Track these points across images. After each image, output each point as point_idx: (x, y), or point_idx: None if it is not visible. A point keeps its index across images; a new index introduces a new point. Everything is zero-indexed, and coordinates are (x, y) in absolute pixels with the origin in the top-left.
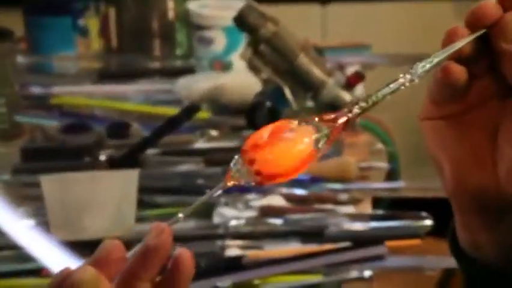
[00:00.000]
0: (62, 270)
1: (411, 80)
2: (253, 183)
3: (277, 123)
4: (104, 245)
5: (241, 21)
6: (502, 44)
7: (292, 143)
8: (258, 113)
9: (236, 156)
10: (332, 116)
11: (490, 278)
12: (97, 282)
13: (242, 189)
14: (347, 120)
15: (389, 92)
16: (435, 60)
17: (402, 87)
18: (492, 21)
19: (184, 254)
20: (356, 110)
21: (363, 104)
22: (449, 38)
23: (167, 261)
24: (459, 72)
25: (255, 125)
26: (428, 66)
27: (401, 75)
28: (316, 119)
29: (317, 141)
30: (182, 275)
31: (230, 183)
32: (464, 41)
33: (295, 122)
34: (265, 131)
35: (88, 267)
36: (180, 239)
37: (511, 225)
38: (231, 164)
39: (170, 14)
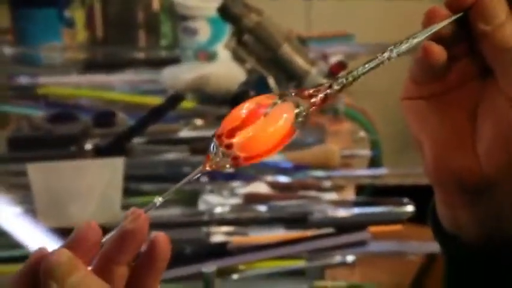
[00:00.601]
0: (36, 253)
1: (390, 58)
2: (230, 166)
3: (254, 100)
4: (80, 228)
5: (225, 12)
6: (480, 26)
7: (269, 121)
8: (243, 102)
9: (214, 140)
10: (311, 90)
11: (470, 257)
12: (73, 264)
13: (227, 177)
14: (325, 95)
15: (368, 69)
16: (415, 40)
17: (381, 65)
18: (470, 2)
19: (161, 237)
20: (335, 85)
21: (342, 80)
22: (428, 19)
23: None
24: (438, 52)
25: None
26: (407, 45)
27: (380, 54)
28: (294, 94)
29: (296, 116)
30: (158, 257)
31: (208, 168)
32: (444, 22)
33: (274, 98)
34: (242, 110)
35: (64, 249)
36: (166, 225)
37: (490, 204)
38: (210, 149)
39: (155, 5)
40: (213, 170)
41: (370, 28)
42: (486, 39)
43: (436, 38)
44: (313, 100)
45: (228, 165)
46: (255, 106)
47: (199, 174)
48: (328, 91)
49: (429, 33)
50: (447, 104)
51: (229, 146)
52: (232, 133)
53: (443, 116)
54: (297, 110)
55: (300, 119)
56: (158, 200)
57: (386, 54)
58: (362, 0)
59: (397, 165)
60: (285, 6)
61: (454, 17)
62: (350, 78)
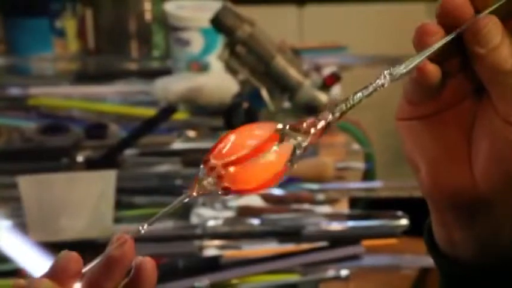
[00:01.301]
0: (17, 282)
1: (383, 85)
2: (219, 193)
3: (246, 129)
4: (60, 258)
5: (218, 23)
6: (475, 48)
7: (263, 157)
8: (235, 113)
9: (202, 167)
10: (306, 123)
11: (465, 275)
12: None
13: None
14: (323, 126)
15: (364, 96)
16: (412, 64)
17: (378, 89)
18: (463, 19)
19: (147, 262)
20: (332, 115)
21: (339, 109)
22: (420, 37)
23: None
24: (433, 71)
25: (232, 125)
26: (404, 70)
27: (375, 80)
28: (288, 126)
29: (292, 152)
30: (145, 283)
31: (195, 194)
32: (439, 43)
33: (267, 129)
34: (232, 138)
35: (44, 279)
36: (158, 239)
37: (486, 223)
38: (199, 174)
39: (147, 16)
40: (200, 195)
41: (363, 38)
42: (481, 61)
43: (430, 56)
44: (310, 132)
45: (218, 191)
46: (245, 136)
47: (186, 199)
48: (325, 120)
49: (425, 55)
50: (442, 123)
51: (220, 177)
52: (222, 161)
53: (438, 135)
54: (294, 142)
55: (297, 152)
56: (145, 225)
57: (379, 81)
58: (355, 10)
59: (391, 178)
60: (277, 16)
61: (449, 37)
62: (337, 114)
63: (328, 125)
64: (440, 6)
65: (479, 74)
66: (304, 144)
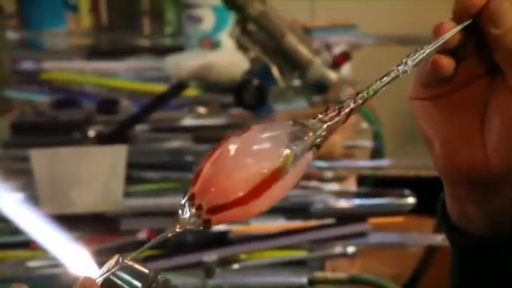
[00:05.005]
0: None
1: (404, 72)
2: (202, 227)
3: (242, 146)
4: None
5: (229, 0)
6: (491, 30)
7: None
8: (246, 91)
9: (183, 201)
10: (329, 112)
11: (477, 248)
12: None
13: None
14: (347, 113)
15: (381, 86)
16: (427, 51)
17: (399, 76)
18: (478, 9)
19: None
20: (354, 103)
21: (360, 97)
22: (438, 34)
23: None
24: (447, 64)
25: (242, 102)
26: (419, 58)
27: (394, 68)
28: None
29: (314, 140)
30: None
31: (178, 229)
32: (454, 31)
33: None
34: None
35: None
36: (167, 213)
37: (498, 199)
38: (180, 210)
39: None
40: (184, 230)
41: (374, 17)
42: (497, 42)
43: (445, 47)
44: (327, 124)
45: (200, 227)
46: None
47: (170, 234)
48: (342, 113)
49: (441, 42)
50: (455, 103)
51: (200, 207)
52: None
53: (451, 115)
54: (312, 136)
55: (317, 141)
56: (127, 260)
57: (399, 69)
58: None
59: (399, 157)
60: None
61: (462, 25)
62: (359, 101)
63: (350, 113)
64: (457, 4)
65: (495, 55)
66: (318, 140)
